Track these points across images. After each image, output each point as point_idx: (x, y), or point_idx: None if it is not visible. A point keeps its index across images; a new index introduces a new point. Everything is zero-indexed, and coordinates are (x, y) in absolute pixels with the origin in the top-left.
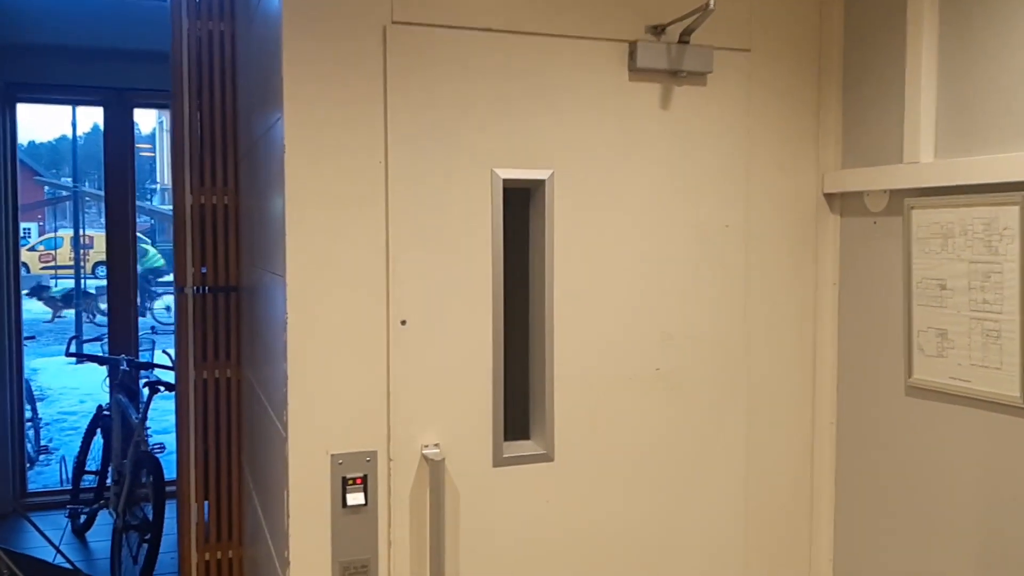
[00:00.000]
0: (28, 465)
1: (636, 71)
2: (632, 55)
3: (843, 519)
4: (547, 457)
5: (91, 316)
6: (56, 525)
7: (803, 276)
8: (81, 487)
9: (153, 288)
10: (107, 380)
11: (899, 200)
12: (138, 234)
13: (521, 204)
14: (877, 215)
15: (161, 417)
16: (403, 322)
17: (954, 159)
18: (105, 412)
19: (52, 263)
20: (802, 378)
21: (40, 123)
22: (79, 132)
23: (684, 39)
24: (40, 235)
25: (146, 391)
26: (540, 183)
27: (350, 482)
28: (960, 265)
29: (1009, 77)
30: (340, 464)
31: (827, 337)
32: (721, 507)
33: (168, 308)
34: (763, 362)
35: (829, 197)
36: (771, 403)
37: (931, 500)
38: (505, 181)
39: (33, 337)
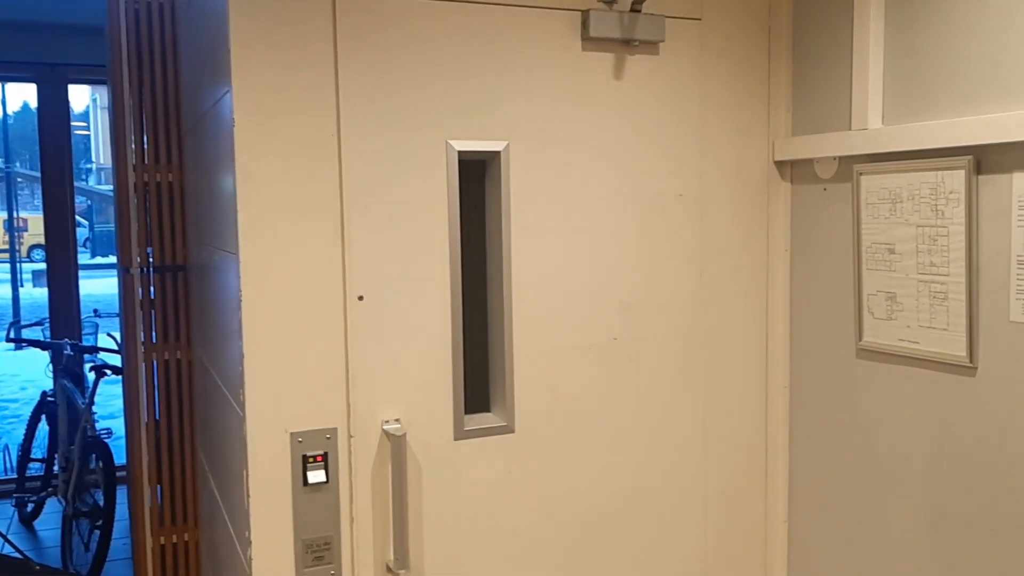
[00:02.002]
0: None
1: (589, 40)
2: (585, 24)
3: (797, 480)
4: (508, 429)
5: None
6: (2, 515)
7: (755, 243)
8: (27, 475)
9: None
10: (50, 365)
11: (848, 166)
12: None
13: (477, 176)
14: (827, 182)
15: (106, 402)
16: (360, 297)
17: (901, 125)
18: (49, 398)
19: None
20: (756, 343)
21: None
22: (9, 110)
23: (636, 7)
24: None
25: (92, 375)
26: (495, 154)
27: (310, 460)
28: (908, 229)
29: (954, 43)
30: (300, 442)
31: (779, 303)
32: (680, 472)
33: None
34: (718, 329)
35: (780, 165)
36: (726, 369)
37: (882, 458)
38: (460, 153)
39: None
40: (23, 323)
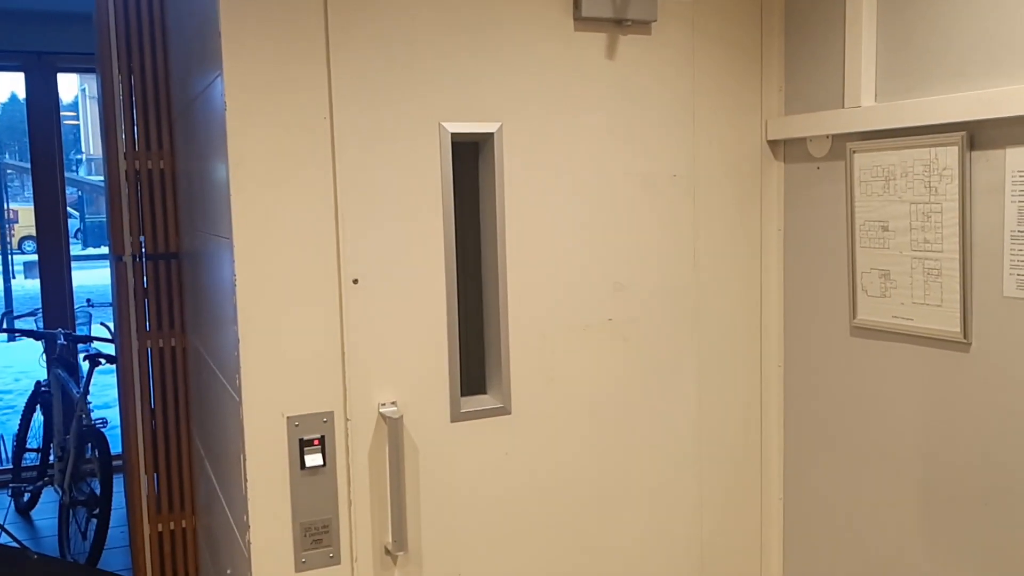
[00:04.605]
0: None
1: (581, 20)
2: (577, 4)
3: (792, 458)
4: (504, 410)
5: None
6: None
7: (749, 223)
8: (23, 465)
9: None
10: (44, 355)
11: (841, 144)
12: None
13: (470, 157)
14: (820, 160)
15: (101, 392)
16: (355, 280)
17: (894, 102)
18: (44, 388)
19: None
20: (750, 323)
21: None
22: None
23: None
24: None
25: (86, 364)
26: (488, 136)
27: (307, 443)
28: (901, 206)
29: (946, 19)
30: (297, 426)
31: (773, 282)
32: (675, 451)
33: None
34: (712, 309)
35: (773, 144)
36: (720, 348)
37: (876, 435)
38: (453, 135)
39: None
40: (16, 314)
